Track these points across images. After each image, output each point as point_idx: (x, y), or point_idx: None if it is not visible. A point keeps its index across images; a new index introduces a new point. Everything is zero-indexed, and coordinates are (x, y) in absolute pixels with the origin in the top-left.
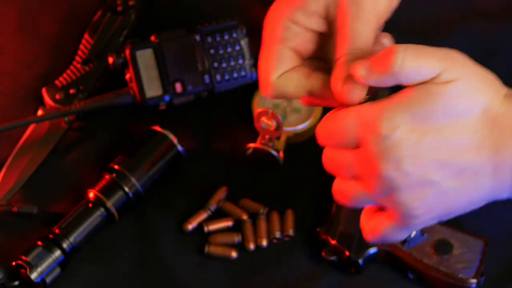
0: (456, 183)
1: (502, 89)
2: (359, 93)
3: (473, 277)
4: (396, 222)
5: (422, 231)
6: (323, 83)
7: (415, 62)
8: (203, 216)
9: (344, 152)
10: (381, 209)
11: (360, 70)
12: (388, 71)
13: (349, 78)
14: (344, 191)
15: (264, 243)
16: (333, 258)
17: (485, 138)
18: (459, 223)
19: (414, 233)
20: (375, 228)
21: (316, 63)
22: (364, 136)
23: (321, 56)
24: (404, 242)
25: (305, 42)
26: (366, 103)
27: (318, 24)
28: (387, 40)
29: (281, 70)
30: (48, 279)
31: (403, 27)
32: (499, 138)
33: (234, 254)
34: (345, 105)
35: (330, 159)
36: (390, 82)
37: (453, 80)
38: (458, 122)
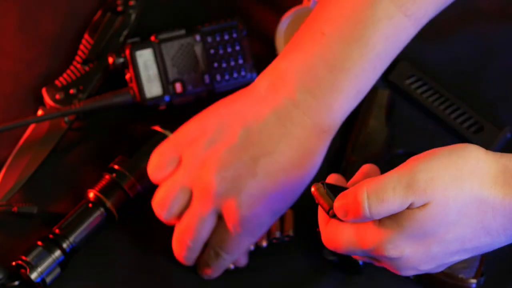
0: (474, 253)
1: (487, 176)
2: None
3: (473, 277)
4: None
5: None
6: None
7: (381, 208)
8: None
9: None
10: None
11: (339, 212)
12: (361, 217)
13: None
14: (338, 241)
15: (264, 243)
16: (333, 258)
17: (489, 225)
18: None
19: None
20: (337, 242)
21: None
22: (378, 258)
23: None
24: None
25: None
26: (364, 231)
27: None
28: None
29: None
30: (48, 279)
31: None
32: (505, 221)
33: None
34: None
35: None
36: (368, 220)
37: (428, 204)
38: (457, 225)
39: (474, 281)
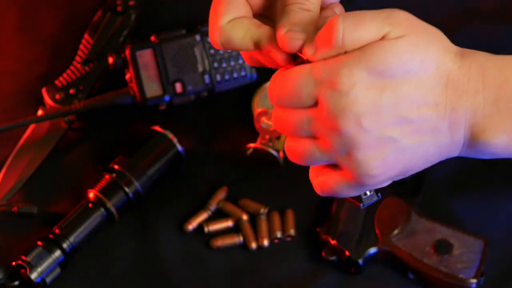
0: (414, 140)
1: (452, 46)
2: (300, 41)
3: (473, 277)
4: (350, 180)
5: (377, 191)
6: (271, 35)
7: (355, 31)
8: (203, 216)
9: (298, 111)
10: (333, 166)
11: (308, 50)
12: (331, 46)
13: (293, 26)
14: (298, 149)
15: (266, 243)
16: (333, 258)
17: (440, 95)
18: (459, 223)
19: (368, 192)
20: (326, 183)
21: (264, 21)
22: (322, 93)
23: (270, 15)
24: (359, 201)
25: None
26: (316, 64)
27: None
28: (337, 9)
29: (230, 16)
30: (48, 279)
31: None
32: (453, 95)
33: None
34: (287, 63)
35: (282, 119)
36: (337, 53)
37: (402, 36)
38: (414, 79)
39: (474, 281)
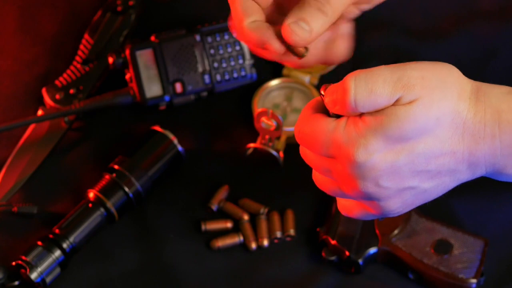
0: (433, 183)
1: (466, 87)
2: (300, 38)
3: (473, 277)
4: (374, 213)
5: None
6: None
7: (368, 98)
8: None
9: (321, 157)
10: None
11: (329, 103)
12: (345, 108)
13: (301, 21)
14: (322, 184)
15: (266, 243)
16: (333, 258)
17: (457, 144)
18: (459, 223)
19: None
20: (350, 210)
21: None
22: (340, 158)
23: (282, 12)
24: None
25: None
26: (338, 125)
27: None
28: (345, 27)
29: (252, 17)
30: (48, 279)
31: (403, 28)
32: (470, 142)
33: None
34: (281, 52)
35: (307, 158)
36: (353, 113)
37: (415, 100)
38: (430, 135)
39: (474, 281)
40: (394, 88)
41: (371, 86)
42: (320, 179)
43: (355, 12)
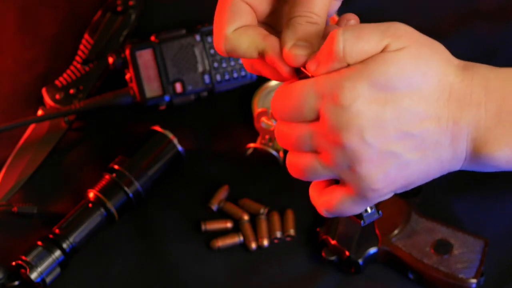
0: (417, 155)
1: (453, 59)
2: (305, 57)
3: (473, 277)
4: (353, 195)
5: (377, 208)
6: (277, 47)
7: (356, 44)
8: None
9: (301, 125)
10: (334, 182)
11: (311, 66)
12: (333, 59)
13: (299, 41)
14: (300, 164)
15: (266, 243)
16: (333, 258)
17: (442, 108)
18: (459, 223)
19: (369, 209)
20: (330, 201)
21: (269, 30)
22: (324, 107)
23: (275, 24)
24: (360, 219)
25: (262, 1)
26: (320, 77)
27: None
28: (353, 21)
29: (236, 24)
30: (48, 279)
31: None
32: (456, 109)
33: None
34: (291, 76)
35: (285, 134)
36: (339, 66)
37: (403, 48)
38: (416, 92)
39: (474, 281)
40: (382, 35)
41: (358, 34)
42: (295, 160)
43: (337, 4)
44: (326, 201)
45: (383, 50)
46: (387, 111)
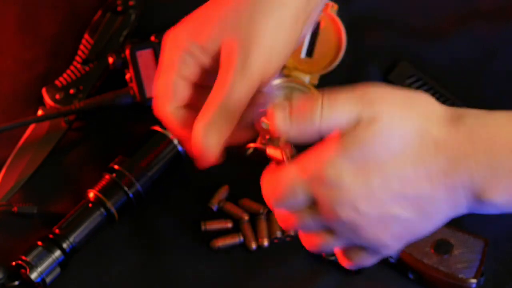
0: (415, 212)
1: (438, 109)
2: (216, 150)
3: (473, 277)
4: (369, 252)
5: None
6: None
7: (330, 113)
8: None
9: (299, 213)
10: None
11: (278, 119)
12: (310, 121)
13: (211, 128)
14: (313, 242)
15: (266, 243)
16: (333, 258)
17: (431, 165)
18: (459, 223)
19: None
20: (351, 258)
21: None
22: (315, 191)
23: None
24: None
25: (197, 75)
26: (306, 158)
27: (210, 63)
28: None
29: (176, 102)
30: (48, 279)
31: (403, 28)
32: (444, 161)
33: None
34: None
35: (287, 221)
36: (310, 133)
37: (374, 119)
38: (399, 155)
39: (474, 281)
40: (355, 104)
41: (334, 100)
42: (307, 239)
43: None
44: (348, 258)
45: (354, 127)
46: (374, 180)
